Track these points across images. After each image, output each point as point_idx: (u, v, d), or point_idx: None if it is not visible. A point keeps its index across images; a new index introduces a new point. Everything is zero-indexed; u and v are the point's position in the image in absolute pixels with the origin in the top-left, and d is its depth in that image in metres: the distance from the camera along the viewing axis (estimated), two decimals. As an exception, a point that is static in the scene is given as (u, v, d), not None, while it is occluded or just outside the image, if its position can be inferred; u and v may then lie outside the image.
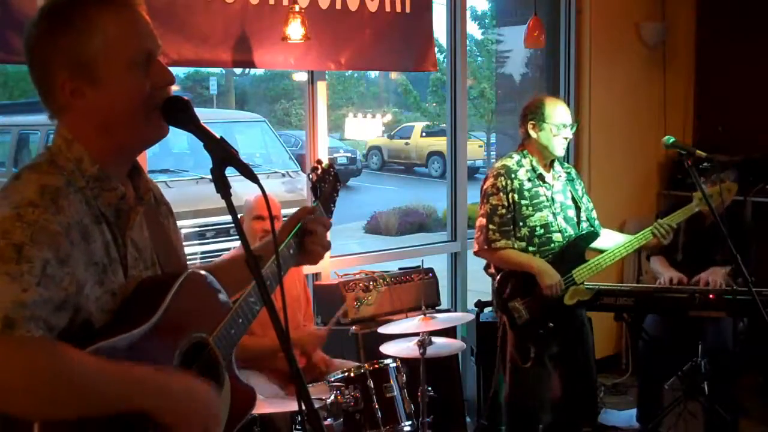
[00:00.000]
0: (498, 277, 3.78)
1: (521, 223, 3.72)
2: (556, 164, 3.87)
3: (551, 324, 3.68)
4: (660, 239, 3.74)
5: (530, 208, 3.73)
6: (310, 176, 1.97)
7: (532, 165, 3.77)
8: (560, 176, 3.86)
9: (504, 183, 3.71)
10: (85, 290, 1.42)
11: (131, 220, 1.57)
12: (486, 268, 3.96)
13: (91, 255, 1.45)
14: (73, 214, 1.42)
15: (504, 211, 3.69)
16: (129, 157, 1.59)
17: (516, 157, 3.81)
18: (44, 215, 1.37)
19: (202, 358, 1.62)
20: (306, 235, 1.83)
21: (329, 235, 1.88)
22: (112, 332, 1.44)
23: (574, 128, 3.81)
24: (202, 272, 1.67)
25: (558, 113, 3.72)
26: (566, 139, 3.75)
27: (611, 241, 3.85)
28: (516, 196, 3.71)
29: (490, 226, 3.70)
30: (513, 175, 3.74)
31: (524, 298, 3.69)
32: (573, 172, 3.99)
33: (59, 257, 1.37)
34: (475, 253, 3.86)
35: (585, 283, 3.75)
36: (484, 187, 3.80)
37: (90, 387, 1.33)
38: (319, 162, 2.01)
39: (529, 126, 3.74)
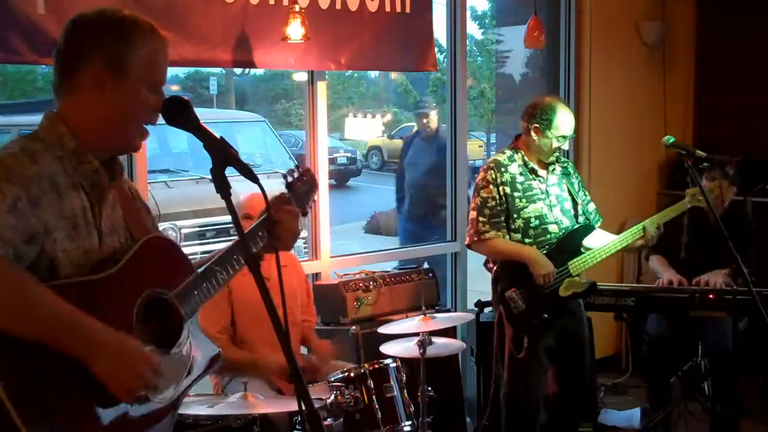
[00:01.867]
0: (495, 268, 3.79)
1: (515, 215, 3.74)
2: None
3: (546, 315, 3.70)
4: (648, 239, 3.75)
5: (523, 200, 3.75)
6: (287, 177, 2.08)
7: (524, 160, 3.81)
8: (555, 170, 3.87)
9: (494, 176, 3.75)
10: (53, 234, 1.61)
11: (106, 194, 1.75)
12: (486, 263, 3.98)
13: (62, 208, 1.64)
14: (47, 167, 1.63)
15: (494, 203, 3.72)
16: (105, 154, 1.77)
17: (508, 152, 3.86)
18: (21, 162, 1.61)
19: (164, 311, 1.75)
20: (275, 223, 1.97)
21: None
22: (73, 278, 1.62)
23: (572, 138, 3.88)
24: (167, 237, 1.86)
25: (565, 125, 3.75)
26: (563, 149, 3.84)
27: (600, 242, 3.86)
28: (507, 188, 3.74)
29: (480, 218, 3.73)
30: (503, 169, 3.77)
31: (520, 288, 3.70)
32: (570, 166, 4.01)
33: (30, 198, 1.57)
34: (467, 246, 3.90)
35: (581, 275, 3.77)
36: (476, 181, 3.84)
37: (36, 310, 1.53)
38: (297, 167, 2.13)
39: (533, 128, 3.76)
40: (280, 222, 1.96)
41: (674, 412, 4.26)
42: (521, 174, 3.79)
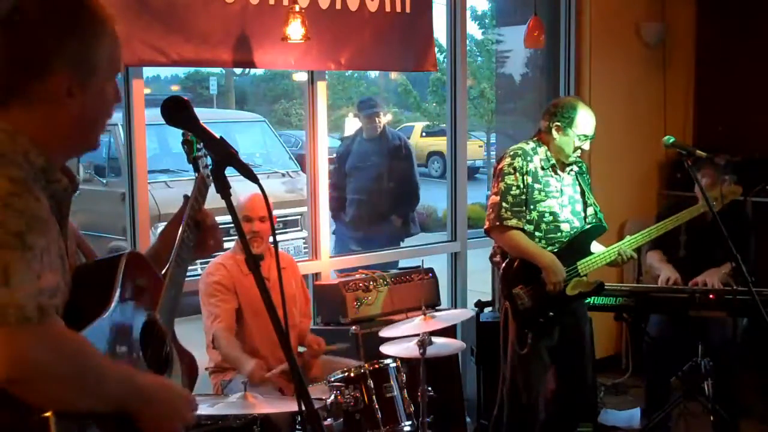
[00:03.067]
0: (503, 263, 3.78)
1: (531, 207, 3.72)
2: None
3: (551, 313, 3.69)
4: (620, 263, 3.78)
5: (542, 194, 3.73)
6: (184, 146, 1.86)
7: (546, 155, 3.78)
8: (572, 170, 3.86)
9: (520, 164, 3.72)
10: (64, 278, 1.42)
11: (68, 213, 1.56)
12: (492, 257, 3.96)
13: (59, 246, 1.43)
14: (45, 203, 1.40)
15: (518, 191, 3.70)
16: (72, 157, 1.62)
17: (531, 144, 3.81)
18: (30, 203, 1.35)
19: (153, 335, 1.64)
20: (203, 229, 1.85)
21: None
22: (79, 322, 1.43)
23: (592, 139, 3.81)
24: (137, 251, 1.73)
25: (586, 124, 3.73)
26: (583, 149, 3.78)
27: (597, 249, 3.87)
28: (530, 178, 3.72)
29: (503, 204, 3.69)
30: (529, 158, 3.74)
31: (527, 285, 3.70)
32: (583, 166, 3.98)
33: (48, 245, 1.36)
34: (486, 231, 3.83)
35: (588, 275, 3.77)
36: (500, 166, 3.79)
37: (103, 382, 1.38)
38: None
39: (555, 126, 3.74)
40: (206, 222, 1.86)
41: (674, 412, 4.26)
42: (542, 168, 3.77)
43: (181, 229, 1.79)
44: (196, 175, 1.85)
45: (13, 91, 1.46)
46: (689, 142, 5.71)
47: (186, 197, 1.86)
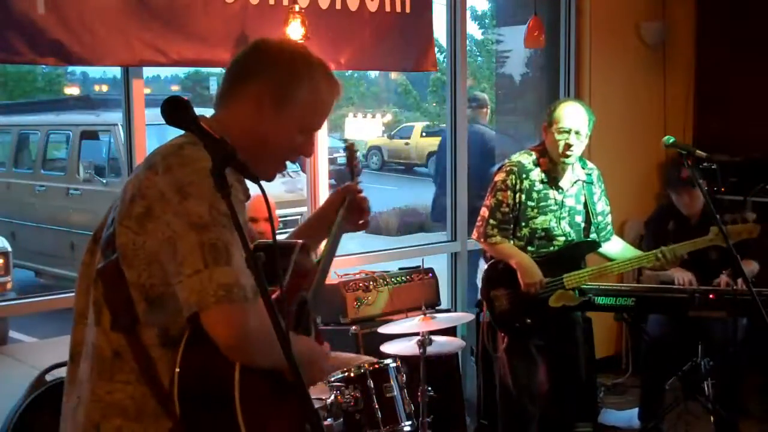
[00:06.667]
0: (486, 265, 3.79)
1: (523, 224, 3.72)
2: (577, 166, 3.83)
3: (528, 320, 3.69)
4: (663, 265, 3.73)
5: (535, 210, 3.72)
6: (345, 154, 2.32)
7: (546, 167, 3.74)
8: (578, 180, 3.82)
9: (514, 181, 3.71)
10: None
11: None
12: (483, 253, 3.98)
13: None
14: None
15: (507, 209, 3.70)
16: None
17: (534, 155, 3.78)
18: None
19: (304, 315, 1.87)
20: (355, 210, 2.20)
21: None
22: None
23: (580, 137, 3.71)
24: (305, 242, 1.93)
25: (563, 117, 3.66)
26: (569, 145, 3.67)
27: (618, 251, 3.85)
28: (523, 196, 3.70)
29: (491, 221, 3.71)
30: (525, 175, 3.72)
31: (508, 289, 3.70)
32: (594, 174, 3.92)
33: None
34: (473, 238, 3.90)
35: (576, 289, 3.75)
36: (496, 179, 3.79)
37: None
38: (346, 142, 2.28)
39: (542, 126, 3.75)
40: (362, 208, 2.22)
41: (674, 412, 4.26)
42: (541, 181, 3.73)
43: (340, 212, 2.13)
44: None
45: (224, 95, 1.76)
46: (689, 142, 5.71)
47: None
